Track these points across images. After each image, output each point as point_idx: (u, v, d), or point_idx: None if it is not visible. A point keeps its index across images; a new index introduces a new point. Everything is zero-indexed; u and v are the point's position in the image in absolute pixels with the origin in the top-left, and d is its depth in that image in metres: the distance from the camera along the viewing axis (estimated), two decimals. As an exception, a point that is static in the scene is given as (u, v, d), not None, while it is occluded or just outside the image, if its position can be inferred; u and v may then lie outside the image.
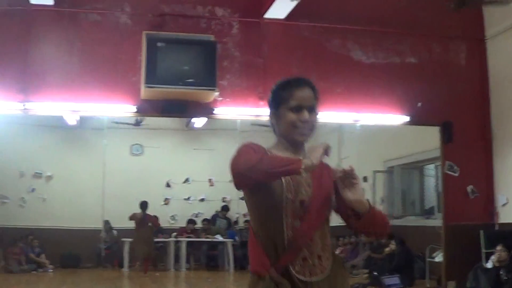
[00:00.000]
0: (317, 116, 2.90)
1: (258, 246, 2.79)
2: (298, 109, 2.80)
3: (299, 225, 2.75)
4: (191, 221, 13.54)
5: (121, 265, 13.38)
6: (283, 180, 2.72)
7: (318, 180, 2.82)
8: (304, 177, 2.76)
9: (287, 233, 2.73)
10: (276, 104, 2.88)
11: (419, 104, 9.92)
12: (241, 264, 13.04)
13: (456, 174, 10.09)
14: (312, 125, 2.87)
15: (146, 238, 12.52)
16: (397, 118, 9.91)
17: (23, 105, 8.69)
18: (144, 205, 12.73)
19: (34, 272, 13.25)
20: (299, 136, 2.84)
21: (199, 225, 13.89)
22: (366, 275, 11.07)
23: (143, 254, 12.36)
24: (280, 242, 2.72)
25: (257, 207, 2.82)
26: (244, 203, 2.93)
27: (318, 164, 2.57)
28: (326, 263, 2.79)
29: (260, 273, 2.75)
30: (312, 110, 2.86)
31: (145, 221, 12.64)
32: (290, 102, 2.80)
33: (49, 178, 13.85)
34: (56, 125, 12.56)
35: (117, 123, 10.91)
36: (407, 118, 9.91)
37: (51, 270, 13.48)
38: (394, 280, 10.54)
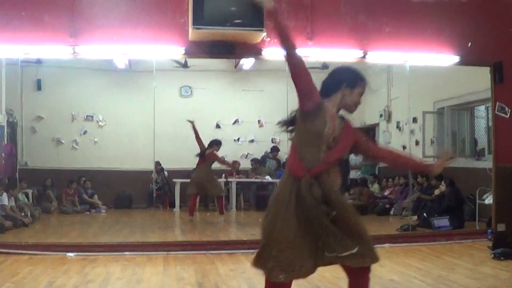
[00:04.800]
0: None
1: (297, 158, 3.94)
2: (361, 95, 4.06)
3: (329, 152, 3.91)
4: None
5: (172, 206, 13.58)
6: (326, 120, 3.87)
7: (344, 134, 3.99)
8: (337, 127, 3.95)
9: (320, 154, 3.87)
10: (353, 82, 4.04)
11: (470, 44, 9.77)
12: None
13: (507, 116, 9.96)
14: None
15: (203, 174, 12.41)
16: (447, 59, 9.79)
17: (73, 49, 8.83)
18: (211, 143, 12.59)
19: (87, 212, 13.54)
20: (354, 110, 4.11)
21: (243, 166, 13.84)
22: (416, 216, 11.03)
23: (194, 190, 12.29)
24: (315, 159, 3.86)
25: (305, 132, 3.94)
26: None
27: None
28: (337, 181, 3.95)
29: (298, 175, 3.87)
30: None
31: (204, 159, 12.44)
32: (362, 89, 4.07)
33: (100, 121, 14.03)
34: (106, 69, 12.66)
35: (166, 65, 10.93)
36: (457, 58, 9.79)
37: (104, 211, 13.75)
38: (444, 222, 10.53)
